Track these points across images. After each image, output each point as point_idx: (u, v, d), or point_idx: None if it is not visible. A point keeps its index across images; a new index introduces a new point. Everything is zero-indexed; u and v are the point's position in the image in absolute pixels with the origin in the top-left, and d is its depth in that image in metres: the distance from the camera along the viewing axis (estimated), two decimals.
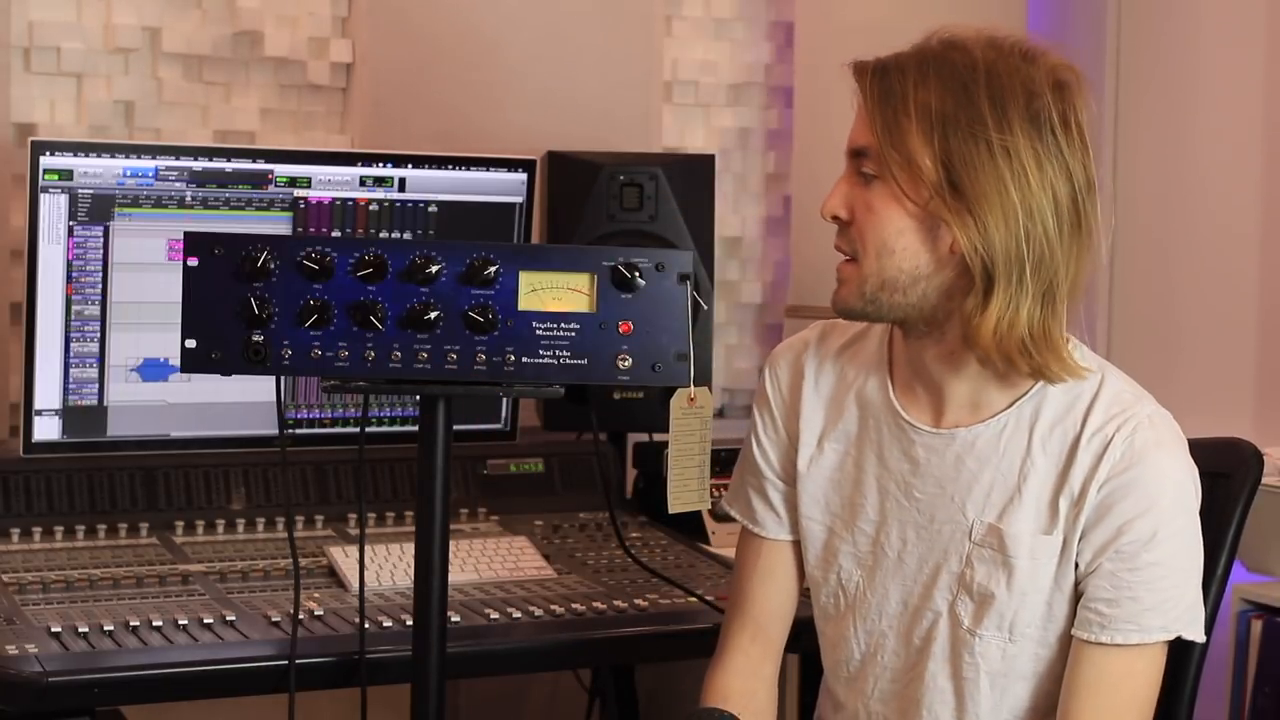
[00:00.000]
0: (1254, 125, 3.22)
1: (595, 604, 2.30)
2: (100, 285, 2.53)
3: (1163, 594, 1.75)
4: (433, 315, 1.87)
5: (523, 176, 2.72)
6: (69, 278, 2.51)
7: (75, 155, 2.48)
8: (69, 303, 2.52)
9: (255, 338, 1.87)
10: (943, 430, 1.83)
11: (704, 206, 2.91)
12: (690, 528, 2.68)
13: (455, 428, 1.96)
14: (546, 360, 1.89)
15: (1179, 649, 1.82)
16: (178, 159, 2.54)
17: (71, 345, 2.53)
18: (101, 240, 2.52)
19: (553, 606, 2.29)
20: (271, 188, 2.59)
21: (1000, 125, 1.69)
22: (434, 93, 3.12)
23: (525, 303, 1.88)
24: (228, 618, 2.17)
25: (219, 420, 2.62)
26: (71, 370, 2.53)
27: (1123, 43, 3.48)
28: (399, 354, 1.88)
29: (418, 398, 2.00)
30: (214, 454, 2.61)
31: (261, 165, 2.58)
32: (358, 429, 2.70)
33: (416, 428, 1.95)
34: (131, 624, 2.11)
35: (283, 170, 2.60)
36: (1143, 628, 1.75)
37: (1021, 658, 1.81)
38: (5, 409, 2.82)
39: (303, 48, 3.07)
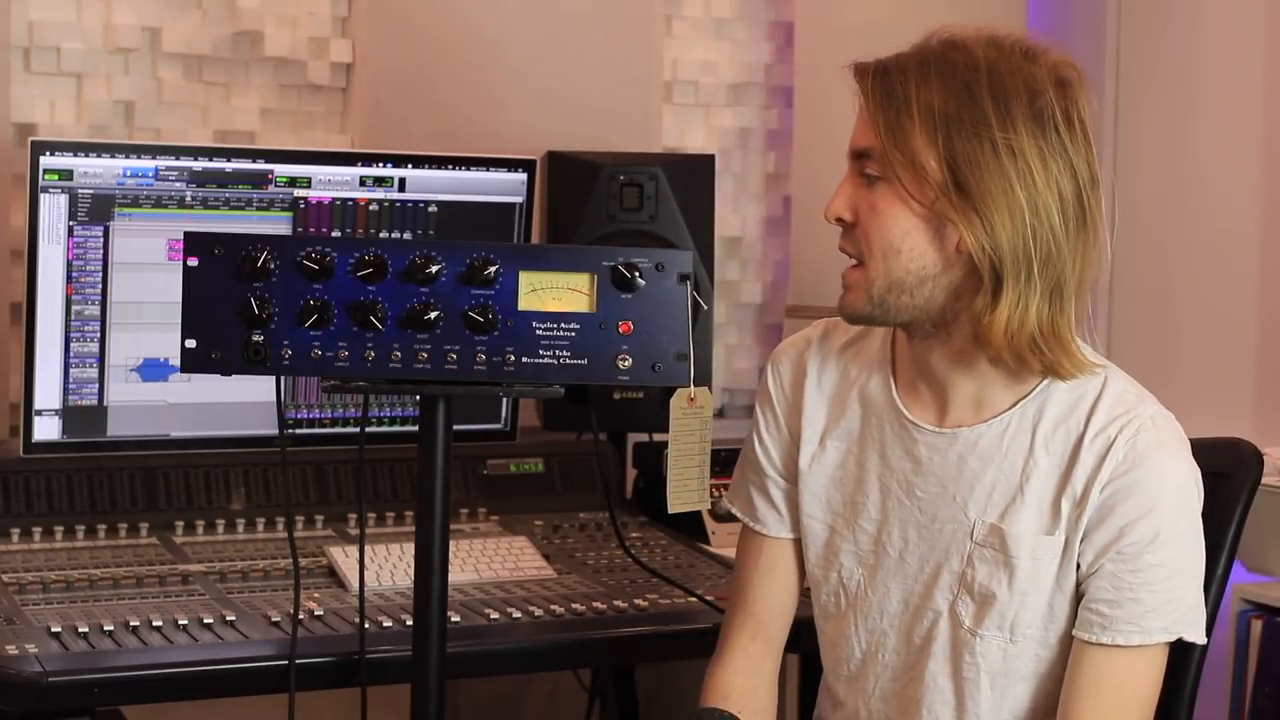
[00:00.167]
0: (1254, 125, 3.22)
1: (595, 604, 2.30)
2: (100, 285, 2.53)
3: (1164, 595, 1.74)
4: (433, 315, 1.87)
5: (523, 176, 2.72)
6: (69, 278, 2.51)
7: (75, 155, 2.48)
8: (69, 303, 2.52)
9: (255, 338, 1.87)
10: (945, 430, 1.82)
11: (704, 206, 2.91)
12: (690, 528, 2.68)
13: (455, 428, 1.96)
14: (546, 360, 1.89)
15: (1179, 649, 1.82)
16: (178, 159, 2.54)
17: (71, 345, 2.53)
18: (101, 240, 2.52)
19: (553, 606, 2.28)
20: (271, 188, 2.59)
21: (1004, 124, 1.69)
22: (434, 93, 3.12)
23: (525, 303, 1.88)
24: (228, 618, 2.17)
25: (219, 420, 2.62)
26: (71, 370, 2.53)
27: (1123, 42, 3.48)
28: (399, 354, 1.88)
29: (418, 398, 2.00)
30: (214, 454, 2.61)
31: (261, 165, 2.58)
32: (358, 429, 2.70)
33: (416, 428, 1.95)
34: (131, 624, 2.11)
35: (283, 170, 2.59)
36: (1144, 629, 1.75)
37: (1022, 658, 1.81)
38: (5, 409, 2.82)
39: (303, 48, 3.07)
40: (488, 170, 2.71)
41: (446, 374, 1.88)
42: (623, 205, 2.84)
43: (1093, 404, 1.78)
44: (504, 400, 2.78)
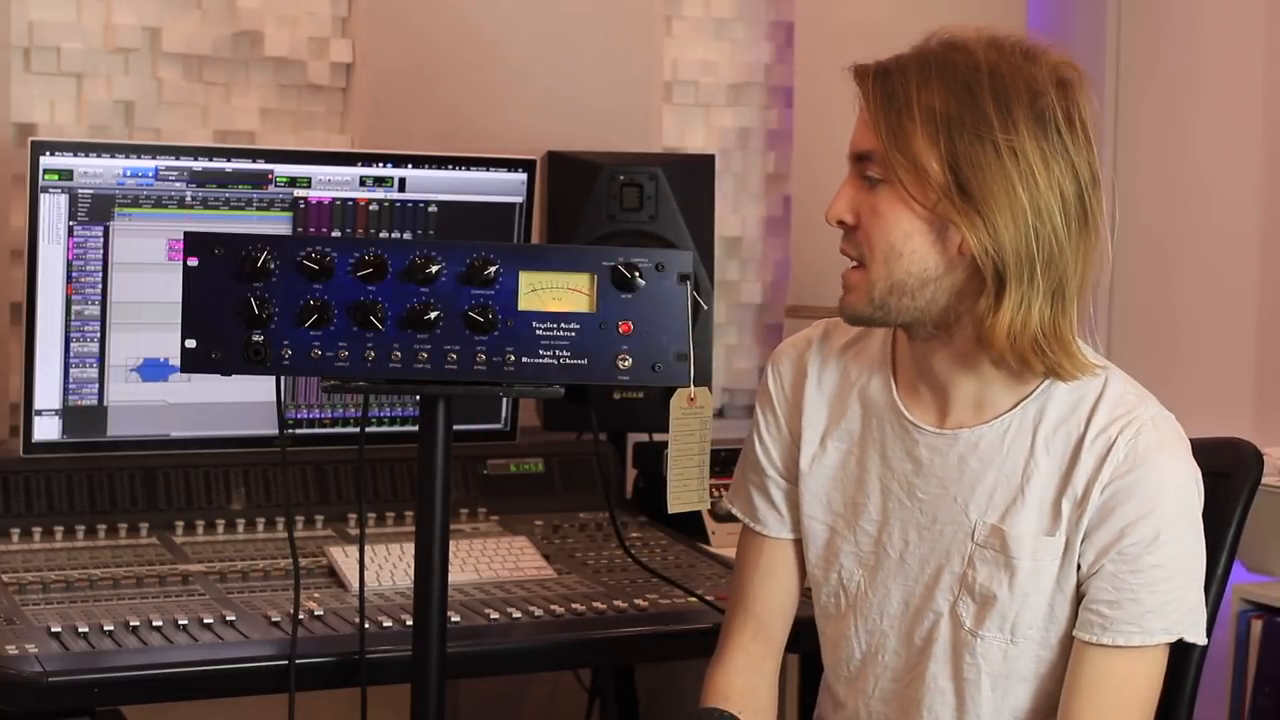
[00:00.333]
0: (1254, 125, 3.22)
1: (595, 604, 2.30)
2: (100, 285, 2.53)
3: (1165, 596, 1.75)
4: (433, 315, 1.87)
5: (523, 176, 2.72)
6: (69, 278, 2.51)
7: (75, 155, 2.48)
8: (69, 303, 2.52)
9: (255, 338, 1.87)
10: (946, 431, 1.82)
11: (704, 206, 2.91)
12: (690, 528, 2.68)
13: (455, 428, 1.96)
14: (546, 360, 1.89)
15: (1179, 650, 1.82)
16: (178, 159, 2.54)
17: (71, 345, 2.53)
18: (101, 240, 2.52)
19: (553, 606, 2.28)
20: (271, 188, 2.59)
21: (1006, 125, 1.69)
22: (434, 93, 3.12)
23: (525, 303, 1.88)
24: (228, 618, 2.16)
25: (219, 420, 2.62)
26: (71, 370, 2.53)
27: (1123, 42, 3.48)
28: (399, 354, 1.88)
29: (418, 398, 2.00)
30: (214, 454, 2.61)
31: (261, 165, 2.58)
32: (358, 429, 2.70)
33: (416, 428, 1.95)
34: (131, 624, 2.11)
35: (283, 170, 2.59)
36: (1144, 629, 1.75)
37: (1023, 659, 1.81)
38: (5, 409, 2.82)
39: (303, 48, 3.06)
40: (488, 170, 2.71)
41: (446, 374, 1.88)
42: (623, 205, 2.84)
43: (1093, 405, 1.78)
44: (504, 400, 2.78)
